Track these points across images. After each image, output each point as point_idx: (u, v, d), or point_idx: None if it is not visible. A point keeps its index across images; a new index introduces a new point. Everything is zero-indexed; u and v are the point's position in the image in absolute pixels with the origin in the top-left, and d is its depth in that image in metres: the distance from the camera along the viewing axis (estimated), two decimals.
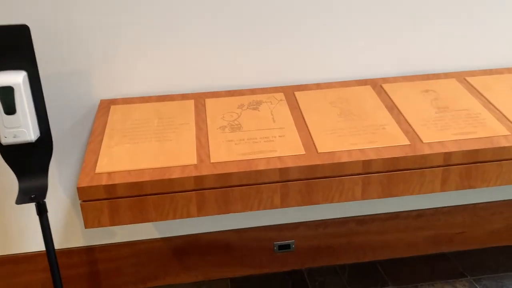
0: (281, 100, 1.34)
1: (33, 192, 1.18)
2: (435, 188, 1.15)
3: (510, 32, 1.46)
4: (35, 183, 1.19)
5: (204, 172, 1.07)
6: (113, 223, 1.08)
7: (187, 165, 1.09)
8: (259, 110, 1.29)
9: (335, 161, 1.10)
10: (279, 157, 1.11)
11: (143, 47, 1.33)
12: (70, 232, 1.49)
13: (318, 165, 1.09)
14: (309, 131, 1.20)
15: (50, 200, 1.44)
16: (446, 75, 1.44)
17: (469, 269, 1.60)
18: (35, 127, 1.14)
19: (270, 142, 1.16)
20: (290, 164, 1.09)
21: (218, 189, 1.09)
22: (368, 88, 1.39)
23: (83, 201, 1.06)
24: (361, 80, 1.43)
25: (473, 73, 1.45)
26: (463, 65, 1.47)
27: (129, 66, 1.34)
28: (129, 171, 1.08)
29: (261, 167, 1.08)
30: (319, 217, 1.56)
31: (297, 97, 1.34)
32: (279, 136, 1.18)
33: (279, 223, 1.56)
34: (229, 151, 1.13)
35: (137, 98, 1.36)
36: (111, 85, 1.35)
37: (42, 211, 1.22)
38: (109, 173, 1.07)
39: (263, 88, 1.40)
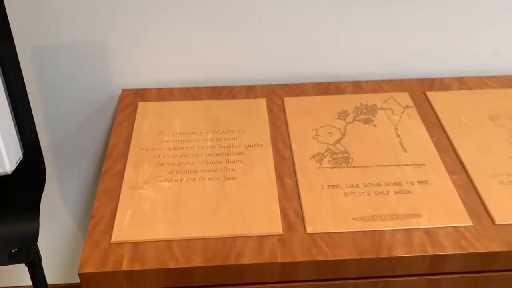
0: (407, 106, 0.84)
1: (15, 244, 0.75)
2: None
3: None
4: (16, 230, 0.75)
5: (298, 255, 0.61)
6: None
7: (266, 236, 0.63)
8: (374, 125, 0.80)
9: None
10: (426, 230, 0.64)
11: (188, 13, 0.83)
12: (76, 263, 1.08)
13: (498, 252, 0.62)
14: (467, 173, 0.72)
15: (47, 219, 1.02)
16: None
17: None
18: (14, 147, 0.69)
19: (406, 194, 0.68)
20: (448, 248, 0.62)
21: (320, 282, 0.63)
22: None
23: None
24: None
25: None
26: None
27: (168, 38, 0.85)
28: (168, 242, 0.63)
29: (397, 251, 0.62)
30: None
31: (432, 102, 0.84)
32: (418, 183, 0.70)
33: None
34: (336, 209, 0.66)
35: (177, 89, 0.88)
36: (139, 67, 0.87)
37: (33, 263, 0.80)
38: (134, 244, 0.62)
39: (372, 82, 0.90)
